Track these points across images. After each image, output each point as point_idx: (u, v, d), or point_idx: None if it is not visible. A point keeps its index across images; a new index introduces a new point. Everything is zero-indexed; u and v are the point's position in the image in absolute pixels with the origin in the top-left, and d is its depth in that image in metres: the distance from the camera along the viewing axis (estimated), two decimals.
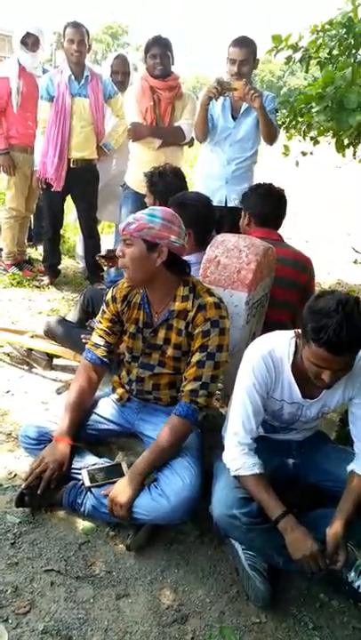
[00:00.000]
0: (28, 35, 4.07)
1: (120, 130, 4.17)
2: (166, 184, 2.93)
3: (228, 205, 3.70)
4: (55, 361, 3.18)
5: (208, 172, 3.75)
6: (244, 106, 3.55)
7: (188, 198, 2.67)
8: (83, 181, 4.20)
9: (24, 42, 4.10)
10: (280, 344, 1.87)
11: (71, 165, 4.08)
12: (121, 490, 1.92)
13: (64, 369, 3.17)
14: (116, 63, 4.46)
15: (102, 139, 4.19)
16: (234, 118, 3.60)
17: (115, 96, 4.13)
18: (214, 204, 3.50)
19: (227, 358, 2.07)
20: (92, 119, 4.04)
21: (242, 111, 3.57)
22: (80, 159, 4.10)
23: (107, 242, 5.23)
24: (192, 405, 1.99)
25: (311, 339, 1.64)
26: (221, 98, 3.57)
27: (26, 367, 3.15)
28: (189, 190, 3.02)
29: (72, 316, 3.23)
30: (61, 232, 4.82)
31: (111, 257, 3.07)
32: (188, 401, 2.00)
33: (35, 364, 3.17)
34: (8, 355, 3.25)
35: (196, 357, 2.01)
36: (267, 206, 2.83)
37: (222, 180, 3.68)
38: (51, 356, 3.16)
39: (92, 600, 1.76)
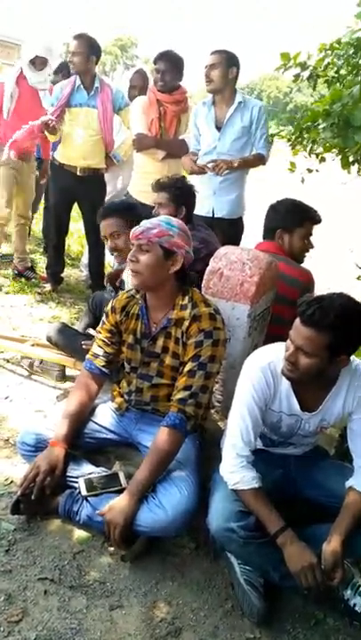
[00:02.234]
0: (36, 57, 4.14)
1: (129, 142, 4.20)
2: (190, 194, 3.01)
3: (216, 216, 3.71)
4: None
5: (196, 182, 3.76)
6: (227, 116, 3.58)
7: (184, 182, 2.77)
8: (90, 190, 4.23)
9: (32, 62, 4.17)
10: (279, 355, 1.87)
11: (78, 174, 4.11)
12: (118, 512, 1.88)
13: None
14: (135, 78, 4.49)
15: (111, 149, 4.22)
16: (218, 129, 3.62)
17: (125, 108, 4.16)
18: (202, 214, 3.52)
19: (218, 369, 2.07)
20: (100, 129, 4.07)
21: (225, 121, 3.59)
22: (87, 168, 4.13)
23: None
24: (179, 415, 1.98)
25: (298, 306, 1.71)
26: (206, 109, 3.64)
27: (25, 374, 3.15)
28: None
29: (81, 322, 3.24)
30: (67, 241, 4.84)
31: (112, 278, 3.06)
32: (176, 410, 1.99)
33: (46, 376, 3.14)
34: (8, 360, 3.25)
35: (187, 367, 2.02)
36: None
37: (210, 192, 3.68)
38: (63, 367, 3.11)
39: (85, 610, 1.74)
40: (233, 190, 3.74)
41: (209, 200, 3.70)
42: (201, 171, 3.60)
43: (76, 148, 4.09)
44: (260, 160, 3.70)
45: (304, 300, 1.71)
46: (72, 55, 3.95)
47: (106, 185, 4.37)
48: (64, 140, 4.13)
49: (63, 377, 3.11)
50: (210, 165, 3.51)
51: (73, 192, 4.20)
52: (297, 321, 1.69)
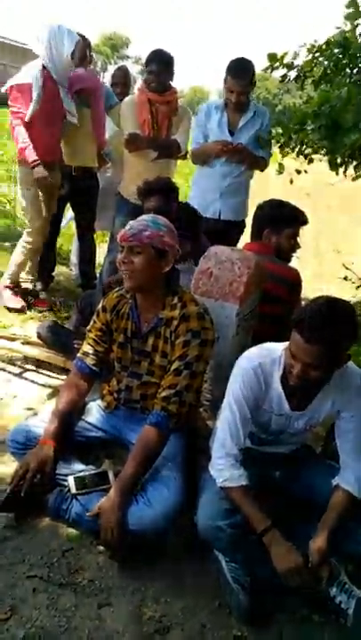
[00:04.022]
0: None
1: (121, 139, 4.20)
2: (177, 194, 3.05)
3: (222, 219, 3.74)
4: (45, 367, 3.18)
5: (203, 185, 3.79)
6: (243, 121, 3.60)
7: (186, 209, 2.73)
8: (84, 189, 4.21)
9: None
10: (271, 355, 1.88)
11: (72, 173, 4.09)
12: (110, 514, 1.88)
13: (54, 375, 3.16)
14: (117, 75, 4.50)
15: (103, 147, 4.21)
16: (231, 133, 3.64)
17: (116, 106, 4.15)
18: (208, 216, 3.54)
19: (205, 369, 2.09)
20: (92, 128, 4.05)
21: (240, 127, 3.62)
22: (81, 167, 4.11)
23: (102, 251, 5.24)
24: (162, 413, 2.00)
25: (293, 322, 1.70)
26: (217, 114, 3.63)
27: (16, 371, 3.14)
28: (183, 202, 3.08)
29: (71, 321, 3.24)
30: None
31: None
32: (160, 408, 2.01)
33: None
34: None
35: (173, 366, 2.03)
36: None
37: (217, 194, 3.71)
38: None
39: (73, 608, 1.75)
40: (239, 193, 3.78)
41: (215, 202, 3.72)
42: (221, 151, 3.57)
43: (69, 148, 4.05)
44: (263, 163, 3.74)
45: (299, 317, 1.69)
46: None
47: (99, 184, 4.36)
48: None
49: None
50: (235, 144, 3.52)
51: (66, 191, 4.18)
52: (299, 339, 1.67)
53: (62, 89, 3.77)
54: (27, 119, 3.61)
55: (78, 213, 4.42)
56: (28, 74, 3.61)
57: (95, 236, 4.76)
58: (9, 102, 3.67)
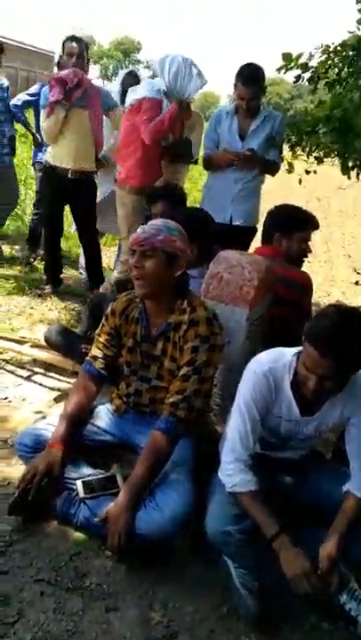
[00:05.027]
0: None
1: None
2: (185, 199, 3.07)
3: (233, 224, 3.73)
4: (53, 370, 3.18)
5: (215, 190, 3.78)
6: (253, 126, 3.59)
7: (196, 214, 2.71)
8: (82, 193, 4.20)
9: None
10: (281, 360, 1.87)
11: (70, 176, 4.08)
12: (118, 519, 1.87)
13: (63, 378, 3.16)
14: (127, 79, 4.51)
15: (101, 150, 4.20)
16: (242, 138, 3.63)
17: (115, 109, 4.15)
18: (219, 221, 3.55)
19: (213, 374, 2.07)
20: (91, 131, 4.05)
21: (250, 131, 3.61)
22: (79, 170, 4.10)
23: (110, 254, 5.27)
24: (170, 418, 1.99)
25: (306, 335, 1.69)
26: (228, 119, 3.63)
27: (25, 375, 3.15)
28: (194, 207, 3.08)
29: (82, 325, 3.25)
30: (66, 244, 4.83)
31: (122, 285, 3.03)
32: (168, 414, 2.00)
33: None
34: (7, 361, 3.25)
35: (182, 371, 2.02)
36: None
37: (228, 199, 3.70)
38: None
39: (81, 612, 1.74)
40: (250, 198, 3.77)
41: (227, 208, 3.71)
42: (232, 161, 3.57)
43: (67, 150, 4.04)
44: (274, 167, 3.73)
45: (311, 329, 1.68)
46: (69, 57, 3.92)
47: (97, 187, 4.34)
48: (56, 139, 4.09)
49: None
50: (246, 153, 3.51)
51: (65, 194, 4.18)
52: (314, 353, 1.66)
53: None
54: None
55: (78, 217, 4.42)
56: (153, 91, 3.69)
57: (105, 239, 4.78)
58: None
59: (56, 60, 4.48)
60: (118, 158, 3.97)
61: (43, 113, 4.01)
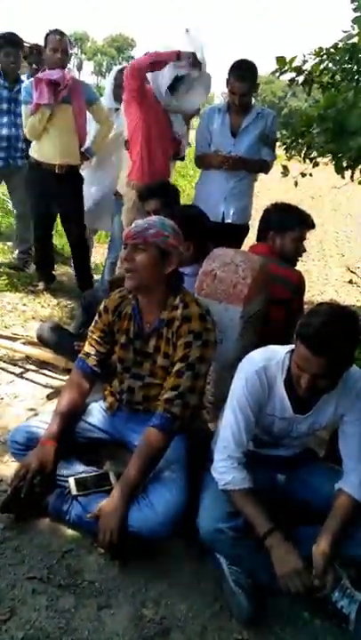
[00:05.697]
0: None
1: (102, 136, 4.17)
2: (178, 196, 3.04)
3: (226, 221, 3.73)
4: (46, 367, 3.18)
5: (208, 188, 3.77)
6: (245, 123, 3.59)
7: (192, 211, 2.71)
8: (68, 187, 4.16)
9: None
10: (274, 358, 1.87)
11: (57, 171, 4.04)
12: (110, 516, 1.87)
13: (55, 375, 3.15)
14: (120, 76, 4.48)
15: (83, 144, 4.17)
16: (233, 135, 3.63)
17: (97, 102, 4.13)
18: (212, 219, 3.55)
19: (207, 370, 2.07)
20: (74, 125, 4.02)
21: (242, 128, 3.60)
22: (65, 165, 4.06)
23: (104, 250, 5.24)
24: (165, 414, 1.99)
25: (297, 334, 1.69)
26: (220, 116, 3.63)
27: (17, 372, 3.14)
28: (190, 205, 3.08)
29: (75, 322, 3.24)
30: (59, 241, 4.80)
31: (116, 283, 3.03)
32: (163, 410, 2.00)
33: None
34: (0, 358, 3.24)
35: (176, 367, 2.02)
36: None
37: (221, 197, 3.70)
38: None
39: (73, 610, 1.74)
40: (243, 196, 3.77)
41: (219, 205, 3.70)
42: (222, 162, 3.59)
43: (52, 146, 4.00)
44: (266, 166, 3.74)
45: (303, 328, 1.68)
46: (54, 51, 3.86)
47: (83, 181, 4.29)
48: (40, 136, 4.04)
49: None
50: (233, 155, 3.54)
51: (52, 189, 4.14)
52: (306, 352, 1.66)
53: None
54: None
55: (64, 212, 4.37)
56: None
57: (97, 237, 4.75)
58: None
59: (27, 50, 4.42)
60: (128, 153, 3.95)
61: (25, 108, 3.95)
